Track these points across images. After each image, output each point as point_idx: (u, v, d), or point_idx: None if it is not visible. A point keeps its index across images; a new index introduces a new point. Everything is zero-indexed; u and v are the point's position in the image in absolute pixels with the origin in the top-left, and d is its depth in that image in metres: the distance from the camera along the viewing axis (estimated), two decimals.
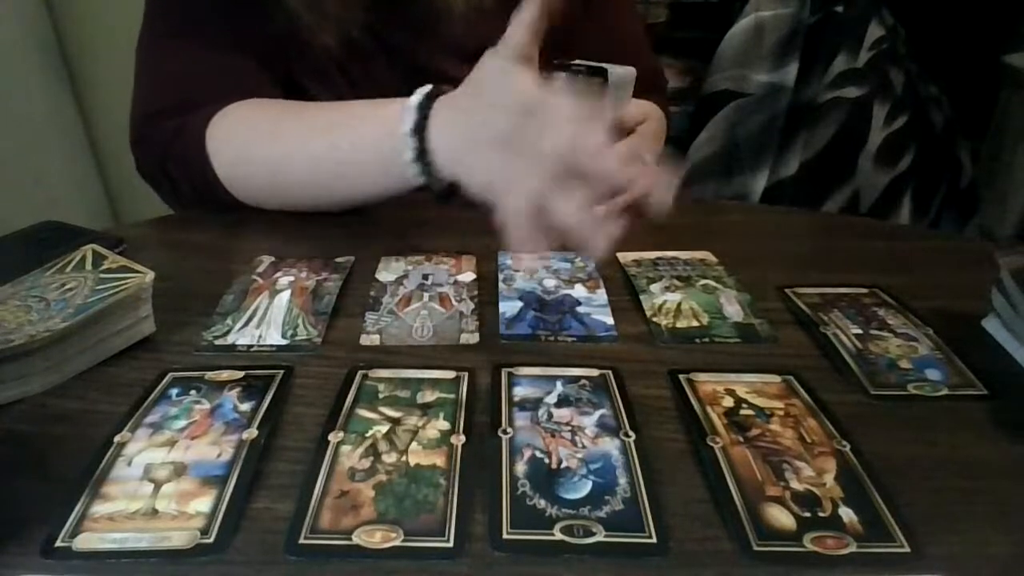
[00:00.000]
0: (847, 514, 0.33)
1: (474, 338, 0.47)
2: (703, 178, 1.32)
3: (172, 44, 0.66)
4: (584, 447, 0.37)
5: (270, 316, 0.49)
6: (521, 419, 0.39)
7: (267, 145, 0.62)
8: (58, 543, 0.31)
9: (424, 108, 0.51)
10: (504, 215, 0.45)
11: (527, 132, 0.44)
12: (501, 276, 0.55)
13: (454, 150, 0.50)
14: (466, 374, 0.43)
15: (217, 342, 0.47)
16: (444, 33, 0.67)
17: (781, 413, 0.39)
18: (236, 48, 0.65)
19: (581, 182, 0.43)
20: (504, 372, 0.43)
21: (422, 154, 0.51)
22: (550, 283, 0.54)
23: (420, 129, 0.51)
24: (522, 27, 0.47)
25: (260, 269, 0.56)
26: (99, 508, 0.33)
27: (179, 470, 0.35)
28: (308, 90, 0.69)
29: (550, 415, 0.39)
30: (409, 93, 0.61)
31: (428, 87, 0.53)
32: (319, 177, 0.61)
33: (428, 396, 0.41)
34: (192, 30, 0.65)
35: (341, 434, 0.37)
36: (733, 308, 0.51)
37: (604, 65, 0.60)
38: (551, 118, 0.44)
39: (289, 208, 0.66)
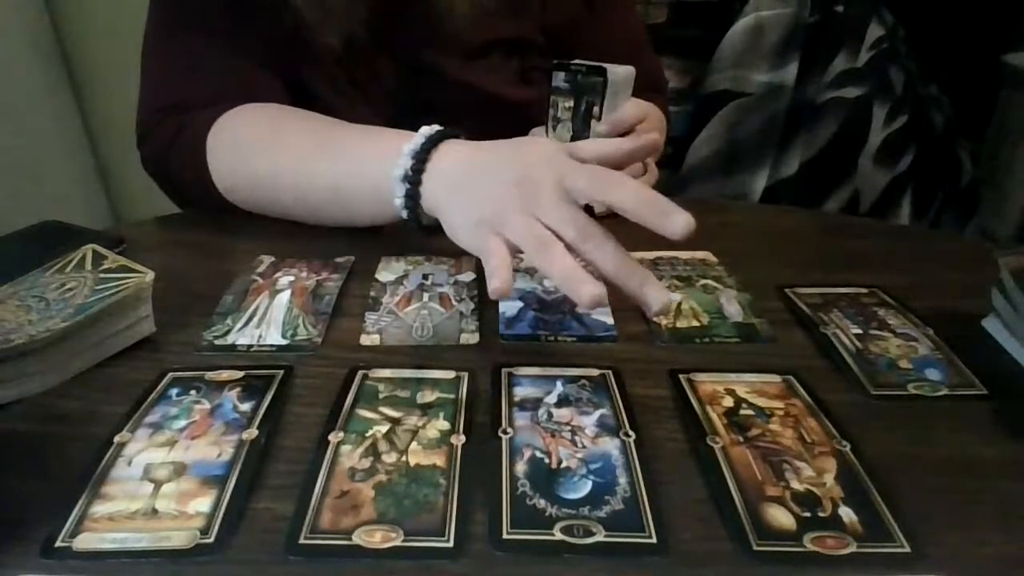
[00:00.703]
0: (847, 514, 0.33)
1: (474, 338, 0.47)
2: (703, 178, 1.32)
3: (176, 42, 0.66)
4: (584, 447, 0.37)
5: (270, 316, 0.49)
6: (521, 419, 0.39)
7: (264, 157, 0.61)
8: (58, 543, 0.31)
9: (424, 152, 0.51)
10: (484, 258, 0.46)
11: (521, 195, 0.45)
12: None
13: (441, 201, 0.50)
14: (466, 374, 0.43)
15: (217, 342, 0.47)
16: (447, 32, 0.67)
17: (781, 413, 0.39)
18: (240, 46, 0.65)
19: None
20: (504, 372, 0.43)
21: (411, 198, 0.51)
22: (550, 283, 0.54)
23: (418, 166, 0.50)
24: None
25: (260, 269, 0.56)
26: (99, 508, 0.33)
27: (179, 470, 0.35)
28: (312, 88, 0.69)
29: (550, 415, 0.39)
30: (411, 91, 0.61)
31: (435, 128, 0.52)
32: (310, 197, 0.60)
33: (428, 396, 0.41)
34: (196, 28, 0.65)
35: (341, 434, 0.37)
36: (733, 308, 0.51)
37: (603, 65, 0.60)
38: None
39: (284, 218, 0.66)
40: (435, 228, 0.52)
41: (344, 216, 0.61)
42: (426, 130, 0.52)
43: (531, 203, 0.44)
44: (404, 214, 0.53)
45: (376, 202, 0.55)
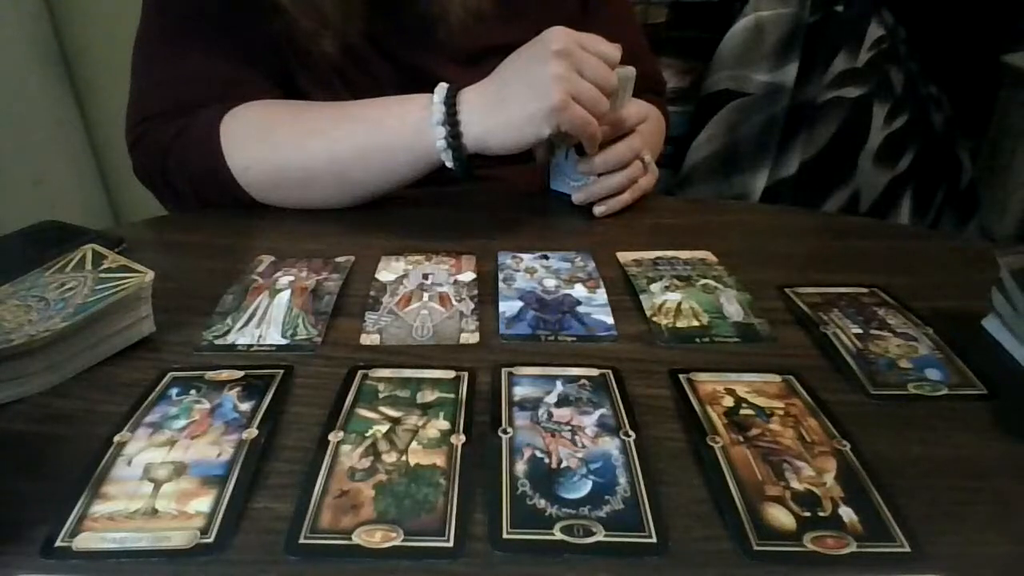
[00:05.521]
0: (847, 514, 0.33)
1: (474, 338, 0.47)
2: (703, 178, 1.32)
3: (170, 47, 0.66)
4: (584, 447, 0.37)
5: (270, 316, 0.49)
6: (521, 419, 0.39)
7: (287, 130, 0.63)
8: (58, 543, 0.31)
9: (451, 89, 0.59)
10: (553, 122, 0.56)
11: (532, 63, 0.56)
12: (501, 276, 0.55)
13: (488, 124, 0.58)
14: (466, 374, 0.43)
15: (217, 342, 0.47)
16: (442, 38, 0.68)
17: (781, 413, 0.39)
18: (235, 52, 0.65)
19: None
20: (504, 372, 0.43)
21: (454, 137, 0.58)
22: (550, 283, 0.54)
23: (451, 109, 0.58)
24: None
25: (260, 269, 0.56)
26: (99, 508, 0.33)
27: (179, 470, 0.35)
28: (307, 94, 0.69)
29: (550, 415, 0.39)
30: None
31: (447, 85, 0.59)
32: (342, 158, 0.62)
33: (428, 396, 0.41)
34: (191, 34, 0.65)
35: (341, 434, 0.37)
36: (733, 308, 0.51)
37: None
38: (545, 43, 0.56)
39: (301, 201, 0.66)
40: (472, 168, 0.61)
41: (377, 172, 0.63)
42: (443, 84, 0.59)
43: (569, 62, 0.55)
44: (446, 155, 0.59)
45: (413, 151, 0.60)
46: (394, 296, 0.52)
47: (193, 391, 0.41)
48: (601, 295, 0.52)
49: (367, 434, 0.37)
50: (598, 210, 0.66)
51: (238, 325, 0.48)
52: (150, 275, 0.46)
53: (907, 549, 0.31)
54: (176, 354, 0.46)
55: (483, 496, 0.34)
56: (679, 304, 0.51)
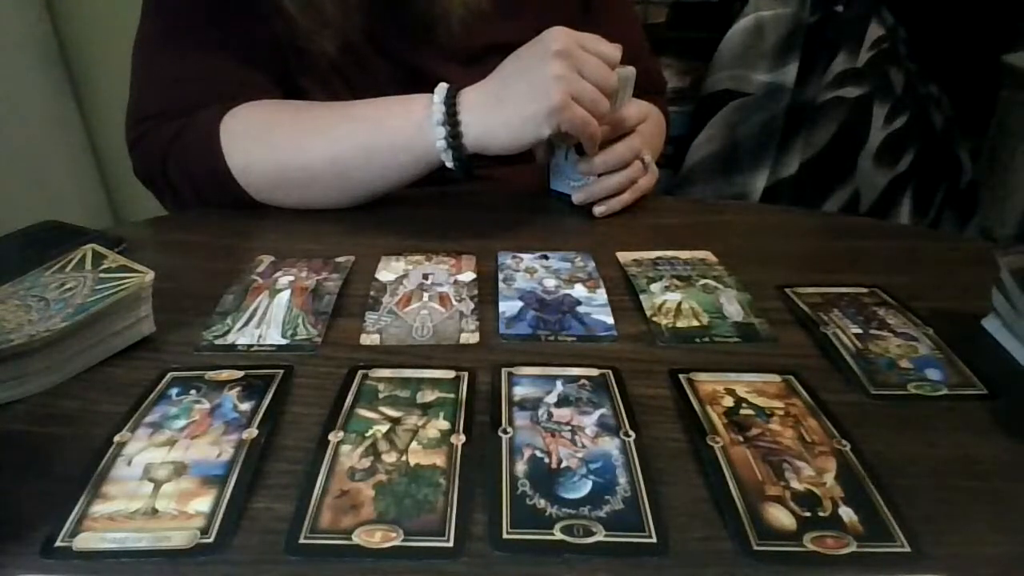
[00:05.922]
0: (847, 514, 0.33)
1: (474, 338, 0.47)
2: (703, 178, 1.32)
3: (170, 47, 0.66)
4: (584, 447, 0.37)
5: (270, 316, 0.49)
6: (521, 419, 0.39)
7: (286, 130, 0.63)
8: (58, 543, 0.31)
9: (451, 89, 0.59)
10: (553, 122, 0.56)
11: (532, 64, 0.56)
12: (501, 276, 0.55)
13: (488, 123, 0.58)
14: (466, 374, 0.43)
15: (217, 342, 0.47)
16: (442, 37, 0.68)
17: (781, 413, 0.39)
18: (234, 51, 0.65)
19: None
20: (504, 372, 0.43)
21: (453, 137, 0.58)
22: (550, 283, 0.54)
23: (451, 109, 0.58)
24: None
25: (260, 269, 0.56)
26: (99, 508, 0.33)
27: (179, 470, 0.35)
28: (307, 94, 0.69)
29: (550, 415, 0.39)
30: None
31: (448, 85, 0.59)
32: (342, 158, 0.62)
33: (428, 396, 0.41)
34: (190, 33, 0.65)
35: (341, 434, 0.37)
36: (733, 308, 0.51)
37: None
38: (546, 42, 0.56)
39: (302, 201, 0.66)
40: (472, 168, 0.61)
41: (378, 172, 0.63)
42: (443, 84, 0.59)
43: (569, 63, 0.55)
44: (446, 155, 0.59)
45: (413, 151, 0.60)
46: (394, 296, 0.52)
47: (193, 391, 0.41)
48: (601, 295, 0.52)
49: (367, 434, 0.37)
50: (598, 210, 0.67)
51: (238, 325, 0.48)
52: (150, 275, 0.46)
53: (907, 549, 0.31)
54: (176, 354, 0.46)
55: (483, 496, 0.34)
56: (679, 304, 0.51)
